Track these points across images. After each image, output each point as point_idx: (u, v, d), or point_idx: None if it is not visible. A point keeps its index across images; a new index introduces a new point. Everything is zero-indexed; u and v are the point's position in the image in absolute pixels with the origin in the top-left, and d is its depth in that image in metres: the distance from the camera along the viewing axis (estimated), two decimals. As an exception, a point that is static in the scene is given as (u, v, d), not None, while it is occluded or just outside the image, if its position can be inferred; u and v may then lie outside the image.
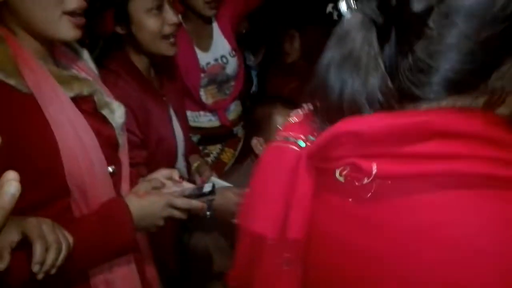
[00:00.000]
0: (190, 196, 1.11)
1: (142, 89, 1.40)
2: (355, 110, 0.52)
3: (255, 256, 0.60)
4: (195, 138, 2.10)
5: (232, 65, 2.12)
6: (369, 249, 0.51)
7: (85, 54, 1.14)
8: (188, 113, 2.07)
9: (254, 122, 1.74)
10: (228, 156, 2.20)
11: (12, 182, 0.48)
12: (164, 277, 1.33)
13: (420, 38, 0.49)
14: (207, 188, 1.13)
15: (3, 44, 0.91)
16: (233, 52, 2.11)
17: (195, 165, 1.68)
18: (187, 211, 1.11)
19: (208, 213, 1.35)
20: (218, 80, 2.11)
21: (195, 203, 1.11)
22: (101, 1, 1.33)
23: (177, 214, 1.09)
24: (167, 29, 1.36)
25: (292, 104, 1.73)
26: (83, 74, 1.07)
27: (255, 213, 0.61)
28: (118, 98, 1.19)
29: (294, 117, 0.64)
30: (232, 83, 2.17)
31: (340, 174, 0.53)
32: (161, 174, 1.15)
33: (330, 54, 0.55)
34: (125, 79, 1.37)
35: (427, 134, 0.49)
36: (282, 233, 0.57)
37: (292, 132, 0.60)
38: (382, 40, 0.52)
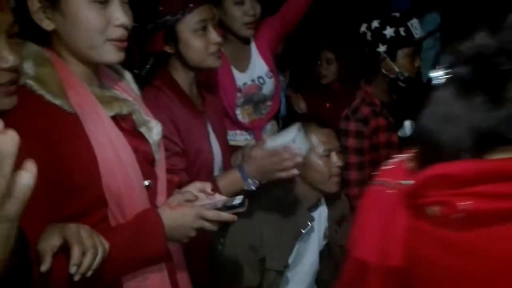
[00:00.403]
0: (220, 209, 1.15)
1: (182, 104, 1.48)
2: (450, 156, 0.63)
3: (359, 279, 0.73)
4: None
5: (269, 85, 2.17)
6: (464, 272, 0.62)
7: (127, 76, 1.23)
8: (225, 131, 2.16)
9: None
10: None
11: (24, 173, 0.49)
12: (196, 286, 1.38)
13: None
14: (237, 200, 1.16)
15: (51, 67, 1.01)
16: (270, 73, 2.17)
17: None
18: (218, 222, 1.15)
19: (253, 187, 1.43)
20: (254, 100, 2.17)
21: (225, 215, 1.14)
22: (153, 23, 1.44)
23: (207, 225, 1.13)
24: (212, 48, 1.47)
25: (326, 124, 1.77)
26: (124, 95, 1.15)
27: (360, 243, 0.75)
28: (159, 111, 1.29)
29: (388, 165, 0.78)
30: (269, 103, 2.22)
31: (434, 210, 0.63)
32: (194, 186, 1.20)
33: (430, 110, 0.67)
34: (167, 94, 1.46)
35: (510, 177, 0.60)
36: (383, 259, 0.68)
37: (387, 177, 0.74)
38: (475, 95, 0.63)
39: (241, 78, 2.11)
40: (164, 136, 1.26)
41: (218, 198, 1.21)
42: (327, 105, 2.83)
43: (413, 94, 2.12)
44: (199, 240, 1.43)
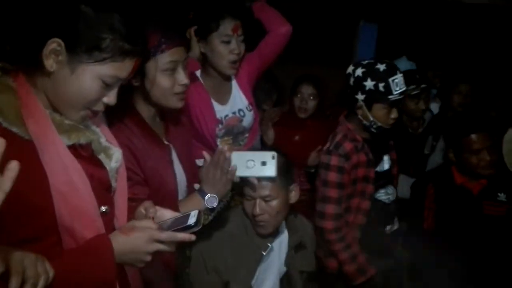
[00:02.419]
0: (177, 229, 1.11)
1: (143, 135, 1.46)
2: None
3: None
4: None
5: (248, 118, 2.19)
6: None
7: None
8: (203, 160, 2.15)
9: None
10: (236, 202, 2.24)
11: (14, 170, 0.62)
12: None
13: None
14: (191, 219, 1.12)
15: (11, 95, 1.00)
16: (250, 106, 2.19)
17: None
18: (174, 243, 1.12)
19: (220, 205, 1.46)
20: (234, 132, 2.18)
21: (181, 236, 1.11)
22: None
23: (163, 247, 1.10)
24: (178, 88, 1.45)
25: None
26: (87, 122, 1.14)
27: None
28: (121, 141, 1.27)
29: None
30: (247, 134, 2.24)
31: None
32: (142, 205, 1.19)
33: None
34: (128, 125, 1.44)
35: None
36: None
37: None
38: None
39: (222, 111, 2.12)
40: (126, 166, 1.26)
41: (169, 215, 1.17)
42: (296, 137, 2.84)
43: (389, 133, 2.13)
44: (162, 270, 1.42)
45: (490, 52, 3.60)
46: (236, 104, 2.16)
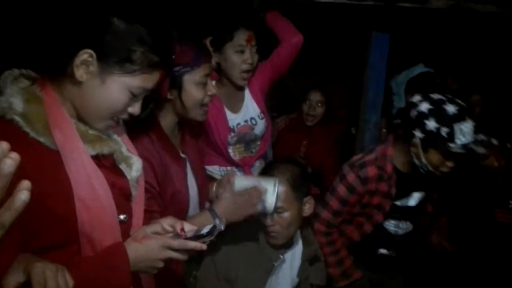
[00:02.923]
0: (189, 238, 1.13)
1: (163, 148, 1.50)
2: None
3: None
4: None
5: (260, 126, 2.22)
6: None
7: None
8: (216, 167, 2.19)
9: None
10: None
11: (24, 191, 0.60)
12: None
13: None
14: (205, 230, 1.14)
15: (39, 104, 1.03)
16: (262, 115, 2.22)
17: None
18: (186, 251, 1.15)
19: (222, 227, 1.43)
20: (246, 139, 2.21)
21: (192, 244, 1.13)
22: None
23: (175, 255, 1.13)
24: (207, 99, 1.52)
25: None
26: (109, 131, 1.17)
27: None
28: (141, 154, 1.30)
29: None
30: (259, 142, 2.27)
31: None
32: (166, 221, 1.19)
33: None
34: (151, 137, 1.49)
35: None
36: None
37: None
38: None
39: (234, 119, 2.16)
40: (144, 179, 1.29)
41: (187, 228, 1.19)
42: (304, 143, 2.89)
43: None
44: (170, 272, 1.45)
45: (503, 59, 3.59)
46: (248, 112, 2.20)
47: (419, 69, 3.48)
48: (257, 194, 1.53)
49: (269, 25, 2.29)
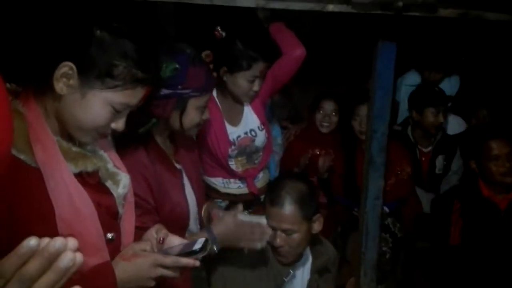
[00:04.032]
0: (181, 254, 1.09)
1: (157, 160, 1.48)
2: None
3: None
4: (223, 204, 2.15)
5: (260, 137, 2.18)
6: None
7: None
8: (219, 179, 2.16)
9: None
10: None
11: (67, 253, 0.55)
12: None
13: None
14: (197, 245, 1.11)
15: (20, 120, 0.98)
16: (262, 126, 2.18)
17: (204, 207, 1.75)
18: (178, 268, 1.10)
19: (214, 247, 1.44)
20: (247, 151, 2.17)
21: (185, 261, 1.09)
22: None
23: (166, 272, 1.08)
24: (202, 121, 1.57)
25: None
26: (95, 147, 1.13)
27: None
28: (135, 167, 1.28)
29: None
30: (260, 153, 2.23)
31: None
32: (150, 233, 1.16)
33: None
34: (143, 151, 1.46)
35: None
36: None
37: None
38: None
39: (234, 132, 2.13)
40: (136, 194, 1.26)
41: (177, 242, 1.15)
42: (317, 151, 2.85)
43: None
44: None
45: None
46: (248, 124, 2.16)
47: (412, 75, 3.44)
48: (260, 231, 1.51)
49: (273, 36, 2.24)
